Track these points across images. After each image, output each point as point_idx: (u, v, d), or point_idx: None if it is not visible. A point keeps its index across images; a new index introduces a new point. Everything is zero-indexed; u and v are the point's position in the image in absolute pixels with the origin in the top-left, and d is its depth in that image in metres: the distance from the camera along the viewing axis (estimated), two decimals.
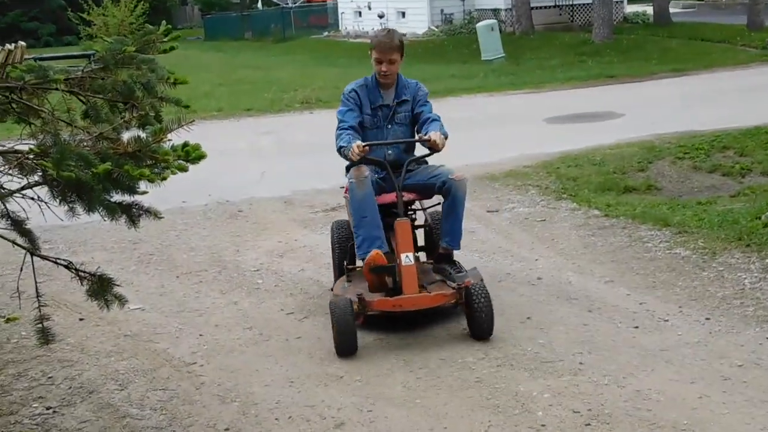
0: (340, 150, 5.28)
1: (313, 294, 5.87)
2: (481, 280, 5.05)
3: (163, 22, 4.16)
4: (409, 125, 5.58)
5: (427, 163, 5.56)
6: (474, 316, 4.88)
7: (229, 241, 7.31)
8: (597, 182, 8.48)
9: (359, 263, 5.35)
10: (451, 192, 5.28)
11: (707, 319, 5.08)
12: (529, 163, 9.55)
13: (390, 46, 5.39)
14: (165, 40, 3.97)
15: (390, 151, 5.47)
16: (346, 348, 4.79)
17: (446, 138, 5.25)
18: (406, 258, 4.94)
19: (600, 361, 4.55)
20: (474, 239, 6.94)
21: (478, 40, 22.28)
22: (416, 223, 5.49)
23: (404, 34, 30.08)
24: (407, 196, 5.35)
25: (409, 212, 5.47)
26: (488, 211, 7.81)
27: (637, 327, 5.01)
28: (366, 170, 5.18)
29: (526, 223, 7.37)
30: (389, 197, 5.33)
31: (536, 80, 17.66)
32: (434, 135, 5.18)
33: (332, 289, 5.49)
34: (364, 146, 5.11)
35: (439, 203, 5.49)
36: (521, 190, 8.45)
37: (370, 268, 4.96)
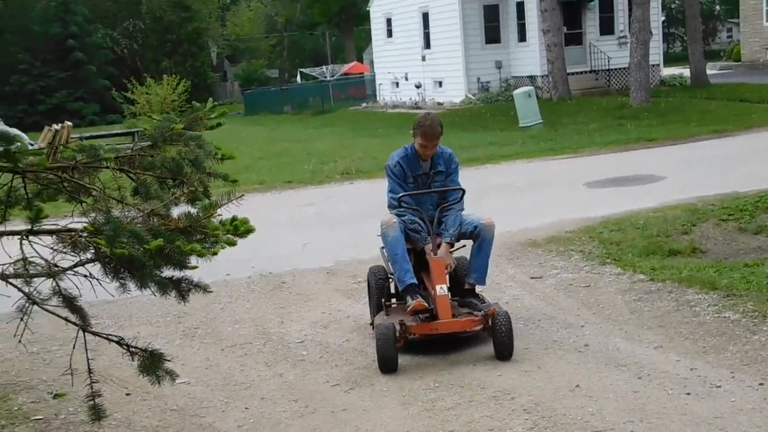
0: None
1: (359, 365, 5.86)
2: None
3: (210, 99, 4.29)
4: (440, 194, 6.40)
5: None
6: (497, 338, 5.62)
7: (273, 313, 7.35)
8: (641, 246, 8.42)
9: (394, 300, 6.46)
10: (481, 235, 6.14)
11: (761, 384, 4.98)
12: (570, 228, 9.52)
13: (435, 134, 6.20)
14: (212, 117, 4.09)
15: (430, 210, 6.28)
16: (388, 367, 5.58)
17: (458, 231, 6.17)
18: (441, 289, 5.78)
19: (652, 429, 4.47)
20: (518, 306, 6.90)
21: (516, 107, 22.45)
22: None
23: (441, 103, 30.40)
24: (439, 240, 6.16)
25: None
26: (532, 278, 7.78)
27: (689, 393, 4.92)
28: (393, 218, 6.11)
29: (571, 289, 7.32)
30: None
31: (575, 145, 17.69)
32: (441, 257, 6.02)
33: (372, 324, 6.33)
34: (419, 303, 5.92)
35: (461, 247, 6.35)
36: (564, 256, 8.41)
37: (414, 311, 5.86)
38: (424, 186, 6.30)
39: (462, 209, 6.28)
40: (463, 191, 6.29)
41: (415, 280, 6.03)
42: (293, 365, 5.98)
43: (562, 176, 13.86)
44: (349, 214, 11.81)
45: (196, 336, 6.85)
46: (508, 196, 12.29)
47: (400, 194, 6.19)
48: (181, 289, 3.61)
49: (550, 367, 5.50)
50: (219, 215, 3.44)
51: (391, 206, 6.33)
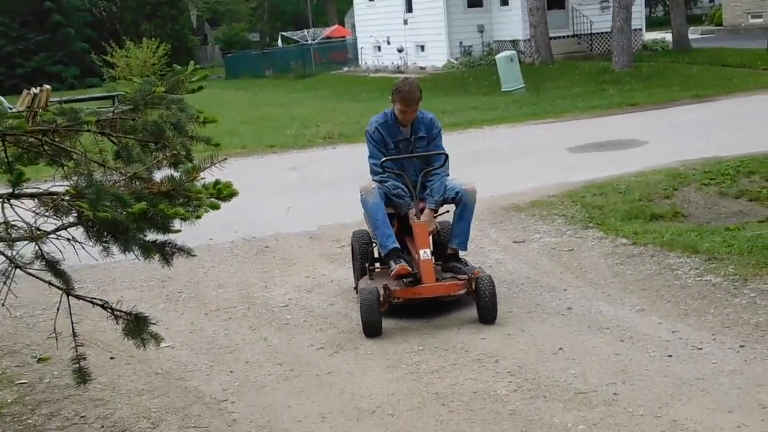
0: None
1: (343, 328, 5.88)
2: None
3: (191, 62, 4.23)
4: (424, 158, 6.35)
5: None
6: (481, 302, 5.65)
7: (257, 277, 7.34)
8: (623, 210, 8.45)
9: (378, 264, 6.51)
10: (463, 200, 6.13)
11: (741, 346, 5.03)
12: (553, 193, 9.54)
13: (413, 99, 6.15)
14: (193, 80, 4.03)
15: (413, 176, 6.26)
16: (372, 331, 5.59)
17: (442, 197, 6.17)
18: (424, 253, 5.80)
19: (634, 391, 4.51)
20: (501, 270, 6.92)
21: (498, 72, 22.38)
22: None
23: (424, 68, 30.20)
24: (423, 205, 6.17)
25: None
26: (515, 242, 7.80)
27: (670, 356, 4.96)
28: (372, 184, 6.12)
29: (554, 252, 7.35)
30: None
31: (557, 110, 17.68)
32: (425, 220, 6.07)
33: (355, 288, 6.37)
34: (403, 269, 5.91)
35: (445, 212, 6.35)
36: (547, 220, 8.43)
37: (399, 276, 5.87)
38: (406, 152, 6.26)
39: (447, 174, 6.26)
40: (447, 156, 6.27)
41: (397, 245, 6.03)
42: (277, 329, 5.99)
43: (545, 141, 13.87)
44: (332, 179, 11.78)
45: (180, 300, 6.84)
46: (491, 161, 12.28)
47: (383, 159, 6.15)
48: (165, 252, 3.59)
49: (533, 330, 5.53)
50: (202, 179, 3.41)
51: (373, 172, 6.28)
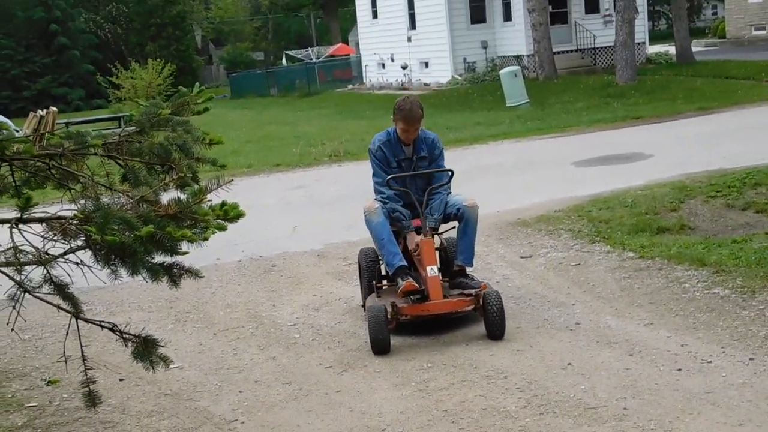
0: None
1: (351, 347, 5.87)
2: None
3: (197, 84, 4.26)
4: (429, 176, 6.39)
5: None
6: (489, 318, 5.66)
7: (264, 297, 7.34)
8: (630, 224, 8.44)
9: (385, 281, 6.54)
10: (465, 216, 6.15)
11: (751, 359, 5.01)
12: (559, 207, 9.54)
13: (415, 118, 6.16)
14: (198, 101, 4.06)
15: (416, 195, 6.25)
16: (380, 348, 5.61)
17: (441, 216, 6.21)
18: (431, 270, 5.80)
19: (644, 405, 4.50)
20: (509, 286, 6.92)
21: (503, 87, 22.43)
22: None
23: (428, 84, 30.22)
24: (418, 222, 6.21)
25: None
26: (522, 257, 7.80)
27: (680, 369, 4.95)
28: (375, 204, 6.17)
29: (561, 267, 7.34)
30: (415, 222, 6.22)
31: (562, 124, 17.69)
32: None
33: (363, 305, 6.41)
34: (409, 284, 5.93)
35: (451, 228, 6.38)
36: (554, 235, 8.43)
37: (405, 293, 5.90)
38: (408, 171, 6.31)
39: (449, 192, 6.28)
40: (452, 173, 6.29)
41: (404, 263, 6.04)
42: (286, 348, 5.99)
43: (550, 155, 13.88)
44: (338, 196, 11.80)
45: (188, 320, 6.85)
46: (497, 177, 12.29)
47: (388, 177, 6.16)
48: (173, 274, 3.60)
49: (541, 345, 5.52)
50: (208, 200, 3.43)
51: (377, 192, 6.30)
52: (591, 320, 5.94)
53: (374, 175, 6.35)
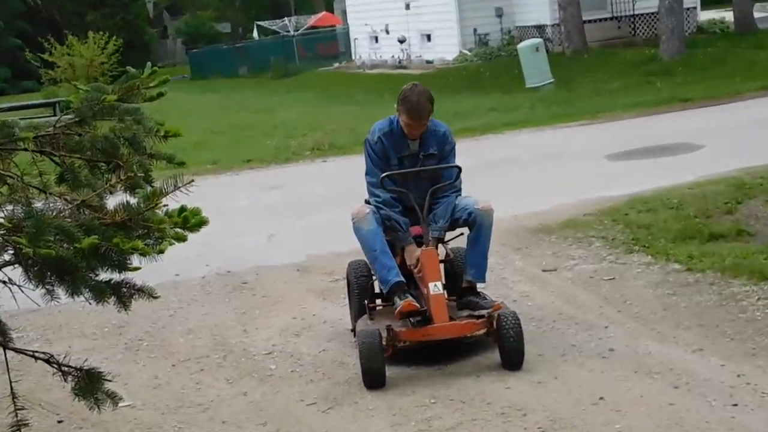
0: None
1: (339, 379, 5.91)
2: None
3: (149, 64, 4.27)
4: (431, 176, 6.31)
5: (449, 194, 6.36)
6: (504, 344, 5.69)
7: (233, 320, 7.38)
8: (675, 230, 8.48)
9: (379, 301, 6.53)
10: (477, 222, 6.13)
11: None
12: (590, 210, 9.58)
13: (422, 112, 6.12)
14: (152, 85, 4.08)
15: (418, 198, 6.21)
16: (374, 381, 5.65)
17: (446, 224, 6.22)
18: (434, 287, 5.81)
19: None
20: (528, 305, 6.96)
21: (521, 64, 22.48)
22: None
23: (431, 61, 30.09)
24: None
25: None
26: (544, 271, 7.84)
27: (735, 405, 5.00)
28: (366, 208, 6.17)
29: (592, 282, 7.39)
30: (416, 230, 6.21)
31: (593, 109, 17.74)
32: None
33: (353, 330, 6.39)
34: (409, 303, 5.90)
35: (458, 235, 6.44)
36: (583, 244, 8.47)
37: (403, 315, 5.86)
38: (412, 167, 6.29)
39: (458, 191, 6.28)
40: (459, 169, 6.28)
41: (401, 278, 6.03)
42: (260, 381, 6.02)
43: (579, 147, 13.92)
44: (322, 199, 11.83)
45: (142, 349, 6.88)
46: (514, 173, 12.34)
47: (383, 174, 6.13)
48: (122, 294, 3.63)
49: (568, 376, 5.56)
50: (165, 205, 3.45)
51: (370, 193, 6.30)
52: (628, 346, 5.99)
53: (367, 173, 6.31)
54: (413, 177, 6.26)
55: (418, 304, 5.88)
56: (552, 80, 21.89)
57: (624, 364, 5.69)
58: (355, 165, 6.29)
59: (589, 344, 6.08)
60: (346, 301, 6.93)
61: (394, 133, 6.25)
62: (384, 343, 5.71)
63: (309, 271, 8.64)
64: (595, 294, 7.12)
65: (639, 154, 12.74)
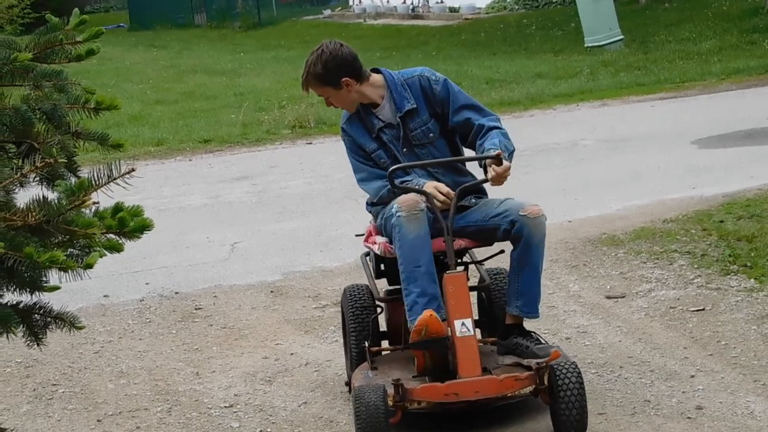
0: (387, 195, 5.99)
1: None
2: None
3: (75, 10, 4.26)
4: (445, 143, 6.17)
5: (485, 194, 6.18)
6: (561, 408, 5.39)
7: (182, 360, 7.36)
8: None
9: (386, 343, 6.32)
10: (524, 236, 5.78)
11: None
12: (672, 215, 9.57)
13: (307, 80, 6.09)
14: (79, 38, 4.08)
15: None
16: None
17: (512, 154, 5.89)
18: (462, 327, 5.52)
19: None
20: (587, 345, 6.95)
21: (579, 15, 22.47)
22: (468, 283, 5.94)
23: (456, 9, 30.14)
24: (459, 243, 5.90)
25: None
26: (609, 297, 7.83)
27: None
28: (421, 201, 5.74)
29: (673, 315, 7.37)
30: (435, 243, 5.82)
31: (677, 77, 17.72)
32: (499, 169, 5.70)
33: (348, 383, 6.16)
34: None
35: (499, 252, 6.19)
36: (662, 261, 8.46)
37: (422, 338, 5.45)
38: (398, 144, 6.10)
39: (502, 130, 6.01)
40: (497, 118, 6.11)
41: (444, 316, 5.61)
42: None
43: (658, 129, 13.91)
44: (305, 194, 11.83)
45: (56, 398, 6.86)
46: (569, 164, 12.33)
47: (393, 168, 5.82)
48: (33, 323, 3.63)
49: None
50: (95, 202, 3.45)
51: (372, 203, 6.15)
52: (722, 402, 5.97)
53: (355, 171, 6.20)
54: (404, 150, 6.09)
55: (442, 325, 5.51)
56: (621, 37, 21.87)
57: (716, 429, 5.67)
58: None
59: (669, 400, 6.06)
60: (339, 340, 6.90)
61: (359, 110, 6.18)
62: (390, 403, 5.46)
63: (286, 293, 8.63)
64: (677, 331, 7.10)
65: (739, 140, 12.73)
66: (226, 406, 6.52)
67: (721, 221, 9.26)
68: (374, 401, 5.38)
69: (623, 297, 7.83)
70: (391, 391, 5.47)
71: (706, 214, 9.51)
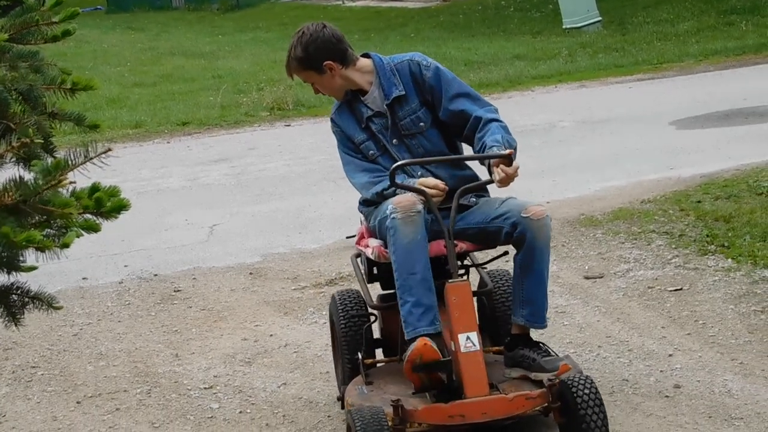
0: (380, 194, 5.60)
1: (304, 424, 5.90)
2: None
3: None
4: (437, 133, 5.78)
5: (486, 193, 5.81)
6: (582, 428, 4.94)
7: (161, 342, 7.36)
8: (765, 224, 8.49)
9: (380, 353, 5.91)
10: (527, 239, 5.40)
11: None
12: (650, 196, 9.59)
13: (289, 66, 5.75)
14: (55, 19, 4.07)
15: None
16: None
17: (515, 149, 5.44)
18: (468, 341, 5.09)
19: None
20: (565, 324, 6.97)
21: None
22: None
23: None
24: (459, 246, 5.50)
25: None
26: (587, 277, 7.85)
27: None
28: (418, 202, 5.32)
29: (651, 295, 7.39)
30: (434, 247, 5.46)
31: (655, 58, 17.75)
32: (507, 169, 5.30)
33: (341, 399, 5.70)
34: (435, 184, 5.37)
35: (502, 254, 5.86)
36: (640, 241, 8.48)
37: (414, 366, 5.07)
38: (387, 134, 5.74)
39: (502, 123, 5.70)
40: (495, 109, 5.80)
41: (439, 329, 5.28)
42: (196, 426, 6.01)
43: (636, 110, 13.93)
44: (284, 177, 11.82)
45: (35, 380, 6.85)
46: (547, 145, 12.34)
47: (395, 165, 5.40)
48: (11, 304, 3.62)
49: (620, 420, 5.56)
50: (71, 182, 3.44)
51: (366, 201, 5.78)
52: (700, 381, 5.99)
53: (343, 163, 5.88)
54: (394, 141, 5.74)
55: (439, 351, 5.10)
56: (599, 19, 21.89)
57: (694, 406, 5.69)
58: (329, 131, 6.11)
59: (647, 379, 6.08)
60: (318, 321, 6.89)
61: (348, 99, 5.86)
62: (390, 425, 4.94)
63: (265, 275, 8.63)
64: (655, 310, 7.12)
65: (717, 121, 12.76)
66: (205, 388, 6.52)
67: (699, 201, 9.28)
68: (372, 422, 4.87)
69: (601, 277, 7.85)
70: (389, 410, 5.00)
71: (683, 195, 9.53)
